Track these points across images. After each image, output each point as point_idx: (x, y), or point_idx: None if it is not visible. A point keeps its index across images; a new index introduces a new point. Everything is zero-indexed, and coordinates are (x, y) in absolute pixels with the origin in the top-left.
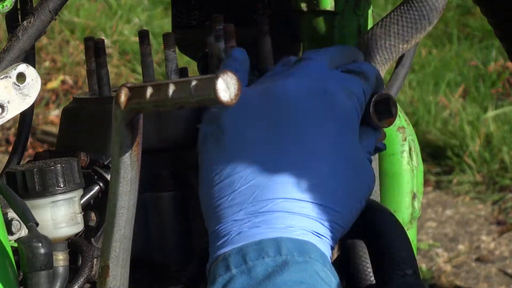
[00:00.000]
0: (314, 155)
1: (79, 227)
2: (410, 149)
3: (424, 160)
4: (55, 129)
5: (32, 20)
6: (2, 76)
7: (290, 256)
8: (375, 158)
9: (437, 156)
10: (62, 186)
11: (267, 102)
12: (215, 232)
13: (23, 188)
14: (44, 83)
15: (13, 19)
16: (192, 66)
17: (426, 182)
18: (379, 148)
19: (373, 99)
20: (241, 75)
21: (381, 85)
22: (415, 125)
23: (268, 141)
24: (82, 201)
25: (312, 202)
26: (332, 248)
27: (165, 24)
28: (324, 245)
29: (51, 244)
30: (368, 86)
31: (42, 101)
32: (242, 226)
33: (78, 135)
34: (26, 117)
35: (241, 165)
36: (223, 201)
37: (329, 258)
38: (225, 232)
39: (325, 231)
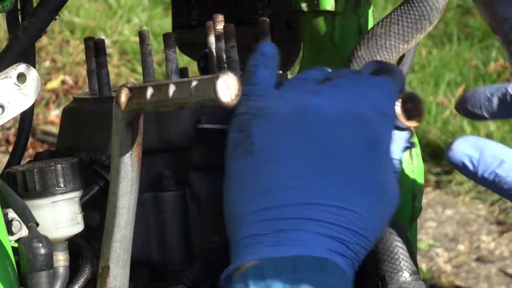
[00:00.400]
0: (346, 179)
1: (79, 227)
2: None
3: (424, 160)
4: (55, 129)
5: (32, 20)
6: (2, 76)
7: (310, 273)
8: None
9: (437, 156)
10: (62, 186)
11: (301, 120)
12: (237, 243)
13: (23, 188)
14: (44, 83)
15: (13, 19)
16: (192, 66)
17: (426, 182)
18: (409, 148)
19: (399, 98)
20: (270, 71)
21: (404, 83)
22: None
23: (300, 159)
24: (82, 201)
25: (339, 226)
26: (354, 270)
27: (165, 24)
28: (347, 266)
29: (51, 244)
30: (397, 87)
31: (42, 101)
32: (266, 241)
33: (78, 135)
34: (26, 117)
35: (271, 179)
36: (249, 213)
37: (351, 278)
38: (246, 244)
39: (350, 253)
